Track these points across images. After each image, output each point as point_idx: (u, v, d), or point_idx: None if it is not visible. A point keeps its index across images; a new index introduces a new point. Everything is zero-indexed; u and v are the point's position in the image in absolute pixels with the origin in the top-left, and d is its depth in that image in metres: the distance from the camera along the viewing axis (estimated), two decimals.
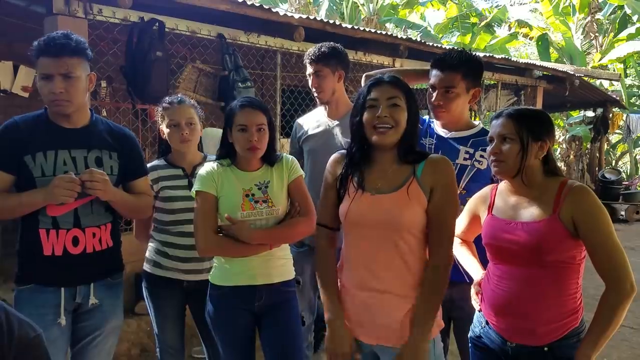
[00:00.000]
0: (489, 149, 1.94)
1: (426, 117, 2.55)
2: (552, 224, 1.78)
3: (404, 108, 1.84)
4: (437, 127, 2.47)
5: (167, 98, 2.65)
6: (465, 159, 2.37)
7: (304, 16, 4.86)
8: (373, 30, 5.85)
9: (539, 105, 9.41)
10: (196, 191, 2.27)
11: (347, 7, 14.96)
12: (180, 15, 4.45)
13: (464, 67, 2.31)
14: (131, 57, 4.11)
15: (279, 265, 2.34)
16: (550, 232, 1.78)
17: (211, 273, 2.37)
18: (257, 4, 4.50)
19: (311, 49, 3.07)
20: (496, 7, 15.96)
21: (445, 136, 2.42)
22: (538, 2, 15.22)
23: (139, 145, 2.41)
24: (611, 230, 1.74)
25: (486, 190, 2.10)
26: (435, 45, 6.69)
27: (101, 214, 2.21)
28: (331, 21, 5.44)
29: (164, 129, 2.61)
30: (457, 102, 2.33)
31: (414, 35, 15.19)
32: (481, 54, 7.79)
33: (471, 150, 2.37)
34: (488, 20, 14.78)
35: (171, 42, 4.51)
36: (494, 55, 7.78)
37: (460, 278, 2.28)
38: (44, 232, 2.10)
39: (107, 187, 2.11)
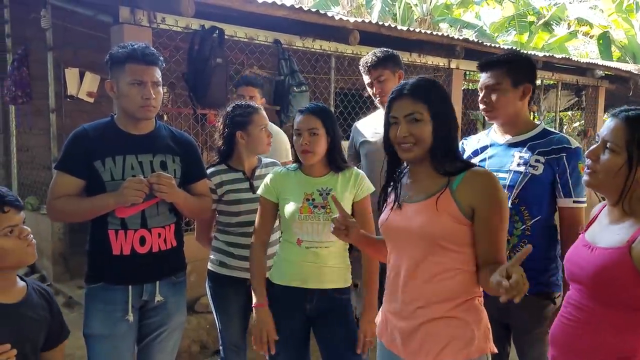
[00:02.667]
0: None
1: (479, 133, 2.56)
2: (621, 256, 1.50)
3: (426, 121, 1.68)
4: (497, 132, 2.41)
5: (251, 104, 2.76)
6: (518, 164, 2.26)
7: (359, 20, 4.89)
8: (429, 32, 5.79)
9: (600, 107, 9.10)
10: (259, 195, 2.46)
11: (399, 8, 14.86)
12: (239, 23, 4.58)
13: (507, 63, 2.26)
14: (192, 64, 4.25)
15: (332, 272, 2.37)
16: (615, 264, 1.50)
17: (270, 271, 2.47)
18: (313, 10, 4.55)
19: (365, 59, 3.10)
20: (555, 5, 15.47)
21: (502, 142, 2.35)
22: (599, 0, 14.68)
23: (198, 150, 2.50)
24: None
25: (598, 206, 1.81)
26: (492, 45, 6.58)
27: (166, 215, 2.29)
28: (385, 24, 5.44)
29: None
30: (505, 98, 2.25)
31: (469, 35, 14.97)
32: (540, 54, 7.61)
33: (526, 155, 2.26)
34: (546, 18, 14.40)
35: (230, 49, 4.63)
36: (554, 55, 7.55)
37: None
38: (113, 232, 2.19)
39: (172, 190, 2.19)
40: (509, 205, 2.18)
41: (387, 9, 14.24)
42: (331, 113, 2.42)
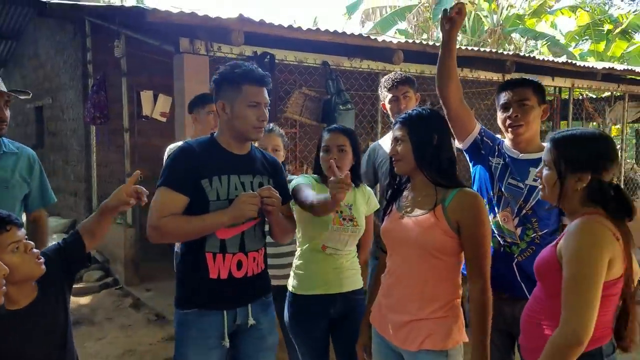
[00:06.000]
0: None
1: (498, 135, 2.62)
2: (552, 251, 1.77)
3: (405, 141, 2.01)
4: (509, 148, 2.50)
5: None
6: (535, 179, 2.39)
7: (403, 40, 5.10)
8: (476, 49, 5.92)
9: None
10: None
11: (469, 19, 14.77)
12: (290, 47, 4.92)
13: (532, 83, 2.43)
14: None
15: (349, 275, 2.60)
16: (548, 259, 1.77)
17: (290, 282, 2.66)
18: (357, 33, 4.83)
19: (392, 75, 3.31)
20: (633, 12, 14.81)
21: (517, 157, 2.45)
22: None
23: (284, 172, 2.48)
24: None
25: None
26: (543, 59, 6.57)
27: (259, 238, 2.25)
28: (430, 42, 5.61)
29: None
30: (533, 114, 2.39)
31: (543, 45, 14.65)
32: (599, 65, 7.43)
33: None
34: (624, 26, 13.83)
35: (280, 72, 4.99)
36: (615, 67, 7.35)
37: (522, 294, 2.34)
38: (211, 255, 2.12)
39: (280, 205, 2.18)
40: (523, 214, 2.36)
41: None
42: (355, 134, 2.69)
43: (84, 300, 5.61)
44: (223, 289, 2.13)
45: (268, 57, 4.71)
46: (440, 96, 2.44)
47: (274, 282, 2.57)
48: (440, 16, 2.32)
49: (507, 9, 14.85)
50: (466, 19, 14.28)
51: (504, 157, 2.46)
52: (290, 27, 4.37)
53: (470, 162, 2.62)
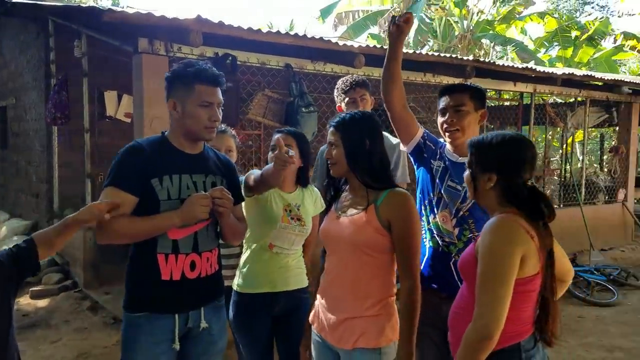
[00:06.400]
0: None
1: (442, 139, 2.66)
2: (471, 253, 1.85)
3: (338, 145, 2.07)
4: (449, 151, 2.56)
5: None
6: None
7: (364, 44, 5.14)
8: (436, 54, 5.98)
9: (634, 123, 8.92)
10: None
11: (440, 25, 14.96)
12: (252, 49, 4.92)
13: (470, 89, 2.49)
14: None
15: (296, 274, 2.66)
16: (470, 256, 1.85)
17: (235, 281, 2.71)
18: (317, 37, 4.86)
19: (352, 77, 3.36)
20: (600, 19, 15.16)
21: (457, 160, 2.51)
22: None
23: (237, 173, 2.45)
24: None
25: None
26: (502, 64, 6.70)
27: (212, 238, 2.22)
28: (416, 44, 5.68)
29: None
30: (468, 119, 2.45)
31: (509, 49, 14.87)
32: (560, 71, 7.60)
33: None
34: (589, 32, 14.13)
35: (243, 73, 4.99)
36: (574, 72, 7.53)
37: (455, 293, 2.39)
38: (163, 256, 2.07)
39: (231, 206, 2.15)
40: (460, 215, 2.42)
41: (424, 28, 14.35)
42: (305, 138, 2.74)
43: (42, 302, 5.53)
44: (176, 291, 2.08)
45: (230, 58, 4.72)
46: (384, 100, 2.50)
47: (225, 283, 2.55)
48: (388, 22, 2.37)
49: (477, 15, 15.08)
50: (437, 24, 14.77)
51: (445, 160, 2.52)
52: (250, 29, 4.38)
53: (414, 164, 2.67)
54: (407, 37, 9.96)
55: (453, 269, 2.38)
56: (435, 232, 2.46)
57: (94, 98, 6.00)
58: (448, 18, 14.84)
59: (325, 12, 16.40)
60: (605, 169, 9.71)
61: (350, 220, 2.05)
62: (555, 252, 1.82)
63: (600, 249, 8.04)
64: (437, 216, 2.45)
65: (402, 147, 2.71)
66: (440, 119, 2.54)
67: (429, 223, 2.50)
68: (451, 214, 2.42)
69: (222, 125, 3.02)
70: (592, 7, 25.80)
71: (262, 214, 2.63)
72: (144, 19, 3.91)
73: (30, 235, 1.98)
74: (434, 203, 2.48)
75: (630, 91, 8.18)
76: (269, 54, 5.06)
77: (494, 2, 15.12)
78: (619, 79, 8.33)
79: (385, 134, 3.38)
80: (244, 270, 2.66)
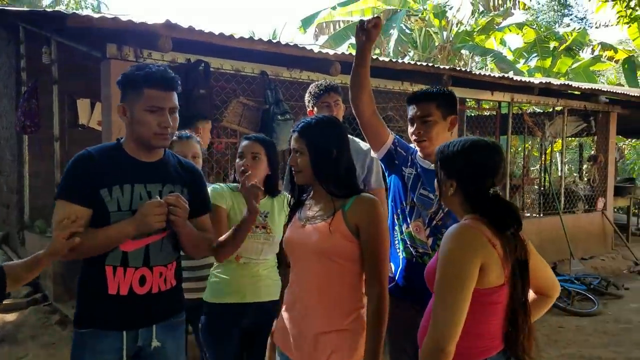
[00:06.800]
0: None
1: (413, 145, 2.60)
2: (435, 262, 1.78)
3: (304, 153, 1.96)
4: (421, 158, 2.51)
5: (177, 132, 2.93)
6: None
7: (340, 52, 5.08)
8: (412, 62, 5.95)
9: (612, 132, 8.98)
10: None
11: (419, 36, 15.05)
12: (227, 55, 4.84)
13: (437, 97, 2.41)
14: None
15: (268, 284, 2.56)
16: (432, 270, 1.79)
17: (205, 292, 2.60)
18: (292, 43, 4.78)
19: (326, 81, 3.28)
20: (577, 30, 15.36)
21: (429, 168, 2.43)
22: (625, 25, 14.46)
23: (204, 181, 2.30)
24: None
25: None
26: (479, 73, 6.71)
27: (169, 251, 2.07)
28: (374, 56, 5.63)
29: None
30: (436, 129, 2.39)
31: (488, 60, 14.98)
32: (537, 80, 7.63)
33: None
34: (567, 43, 14.29)
35: (217, 80, 4.89)
36: (552, 82, 7.56)
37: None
38: (111, 269, 1.94)
39: (185, 216, 2.00)
40: (434, 224, 2.33)
41: (404, 38, 14.41)
42: (274, 145, 2.64)
43: (10, 317, 5.32)
44: (123, 307, 1.96)
45: (202, 64, 4.62)
46: (352, 106, 2.41)
47: (188, 296, 2.46)
48: (357, 26, 2.28)
49: (456, 26, 15.20)
50: (417, 35, 14.82)
51: (417, 167, 2.45)
52: (222, 34, 4.29)
53: (386, 171, 2.59)
54: (387, 48, 9.92)
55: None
56: (408, 242, 2.37)
57: (64, 106, 5.83)
58: (428, 29, 14.96)
59: (306, 22, 16.41)
60: (585, 178, 9.75)
61: (316, 227, 1.94)
62: (535, 264, 1.73)
63: (581, 257, 8.04)
64: (410, 226, 2.37)
65: (373, 154, 2.63)
66: (409, 129, 2.48)
67: (402, 233, 2.41)
68: (424, 223, 2.34)
69: (186, 131, 2.92)
70: (571, 19, 26.24)
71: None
72: (110, 23, 3.81)
73: (1, 264, 1.88)
74: (406, 212, 2.40)
75: (608, 100, 8.24)
76: (244, 60, 4.98)
77: (472, 13, 15.25)
78: (596, 88, 8.38)
79: (355, 139, 3.33)
80: (212, 279, 2.58)
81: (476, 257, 1.61)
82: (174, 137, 2.85)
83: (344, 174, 1.98)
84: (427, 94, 2.44)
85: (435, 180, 1.87)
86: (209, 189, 2.50)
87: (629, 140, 14.80)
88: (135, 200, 1.97)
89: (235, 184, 2.64)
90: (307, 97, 3.25)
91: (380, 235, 1.90)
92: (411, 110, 2.45)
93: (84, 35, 4.61)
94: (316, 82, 3.28)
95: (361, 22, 2.25)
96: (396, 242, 2.44)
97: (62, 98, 5.60)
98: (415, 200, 2.38)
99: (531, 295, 1.81)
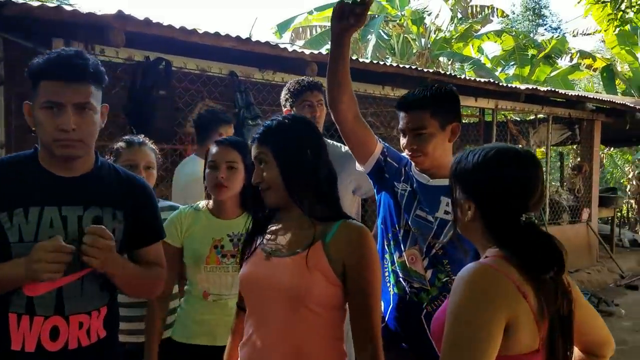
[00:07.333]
0: None
1: (405, 153, 2.15)
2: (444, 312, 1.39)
3: (269, 162, 1.52)
4: (417, 172, 2.07)
5: (126, 136, 2.45)
6: (446, 212, 1.94)
7: (316, 52, 4.66)
8: (395, 64, 5.56)
9: (596, 141, 8.74)
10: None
11: (397, 42, 14.81)
12: (192, 53, 4.37)
13: (431, 104, 1.97)
14: (133, 96, 4.04)
15: None
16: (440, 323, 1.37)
17: (172, 328, 2.22)
18: (263, 41, 4.33)
19: (306, 78, 2.85)
20: (556, 37, 15.31)
21: (427, 183, 2.02)
22: (602, 33, 14.44)
23: (154, 200, 1.81)
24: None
25: None
26: (463, 77, 6.39)
27: (94, 295, 1.60)
28: (353, 57, 5.23)
29: None
30: (433, 143, 1.97)
31: (467, 67, 14.79)
32: (524, 86, 7.36)
33: None
34: (546, 51, 14.17)
35: (180, 80, 4.42)
36: (539, 87, 7.27)
37: (433, 354, 1.87)
38: (15, 318, 1.50)
39: (109, 256, 1.51)
40: (433, 253, 1.89)
41: (382, 44, 14.13)
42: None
43: None
44: None
45: (163, 63, 4.14)
46: (332, 110, 1.96)
47: (128, 339, 2.13)
48: (336, 7, 1.81)
49: (434, 33, 14.98)
50: (395, 41, 14.53)
51: (412, 182, 2.00)
52: (183, 28, 3.82)
53: (374, 187, 2.14)
54: (365, 54, 9.55)
55: (425, 322, 1.85)
56: (401, 274, 1.92)
57: (10, 109, 5.27)
58: (406, 35, 14.72)
59: (282, 27, 16.02)
60: (566, 188, 9.50)
61: (287, 261, 1.48)
62: (582, 317, 1.29)
63: (567, 271, 7.73)
64: (403, 254, 1.92)
65: (359, 167, 2.17)
66: (401, 140, 2.04)
67: (393, 263, 1.96)
68: (422, 252, 1.90)
69: (139, 137, 2.44)
70: (545, 29, 26.40)
71: (186, 252, 2.11)
72: (53, 13, 3.32)
73: None
74: (400, 237, 1.95)
75: (594, 108, 7.99)
76: (211, 60, 4.51)
77: (452, 19, 15.07)
78: (583, 95, 8.16)
79: (333, 142, 2.87)
80: (180, 312, 2.19)
81: (499, 311, 1.16)
82: (121, 143, 2.39)
83: (326, 187, 1.53)
84: (419, 99, 1.98)
85: (450, 200, 1.43)
86: (170, 218, 2.13)
87: (606, 149, 14.71)
88: (43, 228, 1.50)
89: (203, 203, 2.21)
90: (284, 94, 2.75)
91: (374, 279, 1.46)
92: (401, 120, 2.01)
93: (31, 30, 4.11)
94: (296, 79, 2.81)
95: (341, 2, 1.79)
96: (386, 274, 1.99)
97: (8, 100, 5.04)
98: (410, 223, 1.94)
99: (576, 354, 1.37)
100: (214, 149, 2.12)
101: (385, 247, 2.01)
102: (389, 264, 1.98)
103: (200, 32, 3.96)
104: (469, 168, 1.33)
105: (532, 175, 1.29)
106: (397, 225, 1.98)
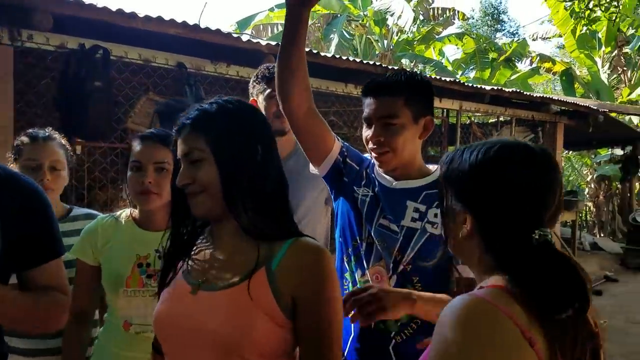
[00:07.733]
0: None
1: (367, 155, 1.82)
2: None
3: (208, 161, 1.14)
4: (380, 173, 1.74)
5: (30, 130, 2.05)
6: (413, 219, 1.63)
7: (273, 43, 4.30)
8: (358, 60, 5.27)
9: (559, 143, 8.69)
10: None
11: (360, 43, 14.67)
12: (133, 42, 3.96)
13: (406, 90, 1.63)
14: (64, 88, 3.61)
15: None
16: None
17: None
18: (214, 29, 3.94)
19: (267, 67, 2.40)
20: (517, 41, 15.43)
21: (391, 186, 1.69)
22: (561, 36, 14.59)
23: (47, 207, 1.43)
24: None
25: None
26: (431, 77, 6.14)
27: None
28: (314, 51, 4.91)
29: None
30: (404, 136, 1.62)
31: (429, 69, 14.74)
32: (488, 87, 7.22)
33: (422, 208, 1.64)
34: (507, 54, 14.24)
35: (120, 71, 3.99)
36: (504, 89, 7.13)
37: None
38: None
39: None
40: (400, 270, 1.56)
41: (346, 44, 13.93)
42: None
43: None
44: None
45: (101, 51, 3.71)
46: (281, 102, 1.60)
47: None
48: None
49: (397, 35, 14.86)
50: (357, 41, 14.34)
51: (374, 186, 1.65)
52: (121, 11, 3.41)
53: (331, 193, 1.80)
54: (327, 53, 9.23)
55: (393, 355, 1.52)
56: None
57: None
58: (369, 36, 14.60)
59: (242, 25, 15.64)
60: None
61: (221, 298, 1.12)
62: None
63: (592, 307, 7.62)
64: (366, 273, 1.58)
65: (312, 169, 1.81)
66: (365, 131, 1.70)
67: (355, 284, 1.62)
68: (388, 268, 1.56)
69: (46, 130, 2.04)
70: (503, 34, 26.76)
71: (103, 271, 1.74)
72: None
73: None
74: (361, 252, 1.61)
75: (559, 110, 7.93)
76: (157, 49, 4.10)
77: (414, 21, 14.98)
78: (547, 97, 8.10)
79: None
80: (97, 344, 1.80)
81: None
82: (22, 138, 1.99)
83: (276, 195, 1.19)
84: (391, 83, 1.64)
85: (439, 210, 1.11)
86: (84, 231, 1.78)
87: (565, 152, 14.87)
88: None
89: (125, 210, 1.83)
90: (252, 81, 2.33)
91: (333, 316, 1.12)
92: (368, 107, 1.66)
93: None
94: (264, 65, 2.40)
95: None
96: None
97: None
98: (373, 234, 1.60)
99: None
100: (137, 146, 1.73)
101: (345, 264, 1.66)
102: (350, 285, 1.63)
103: (141, 16, 3.55)
104: (465, 169, 1.01)
105: (548, 179, 0.97)
106: (358, 238, 1.63)
